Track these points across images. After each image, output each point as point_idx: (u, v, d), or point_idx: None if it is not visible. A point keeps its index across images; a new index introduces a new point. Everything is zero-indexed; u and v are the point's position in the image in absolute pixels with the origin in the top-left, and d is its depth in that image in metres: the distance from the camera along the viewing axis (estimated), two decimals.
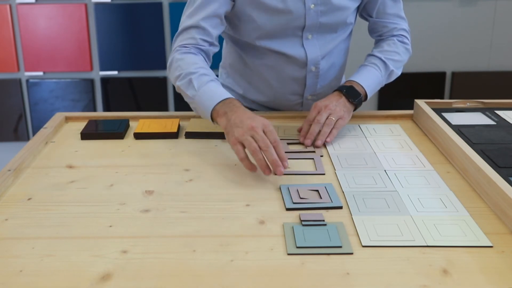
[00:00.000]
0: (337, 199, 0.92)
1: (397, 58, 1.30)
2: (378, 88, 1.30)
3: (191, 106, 1.16)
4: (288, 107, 1.39)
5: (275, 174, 0.97)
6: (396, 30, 1.33)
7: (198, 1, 1.20)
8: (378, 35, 1.36)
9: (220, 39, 1.39)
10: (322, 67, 1.31)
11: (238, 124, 1.01)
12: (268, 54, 1.29)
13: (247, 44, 1.30)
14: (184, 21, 1.23)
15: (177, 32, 1.25)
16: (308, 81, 1.32)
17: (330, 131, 1.16)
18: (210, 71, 1.16)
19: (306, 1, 1.21)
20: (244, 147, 1.00)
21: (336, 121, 1.17)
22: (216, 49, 1.25)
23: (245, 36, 1.27)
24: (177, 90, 1.19)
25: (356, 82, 1.25)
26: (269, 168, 0.98)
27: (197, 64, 1.16)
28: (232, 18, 1.27)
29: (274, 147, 0.98)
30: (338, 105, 1.19)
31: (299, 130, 1.21)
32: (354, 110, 1.24)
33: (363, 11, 1.35)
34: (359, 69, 1.30)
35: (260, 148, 0.97)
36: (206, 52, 1.23)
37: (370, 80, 1.26)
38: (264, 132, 0.99)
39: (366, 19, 1.37)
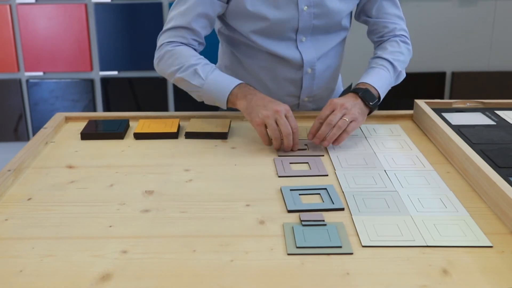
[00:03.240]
0: (338, 201, 0.91)
1: (402, 59, 1.28)
2: (387, 90, 1.25)
3: (195, 94, 1.21)
4: None
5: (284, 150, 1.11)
6: (397, 31, 1.31)
7: (191, 0, 1.20)
8: (379, 36, 1.33)
9: (216, 39, 1.39)
10: (318, 68, 1.31)
11: (262, 106, 1.10)
12: (264, 55, 1.28)
13: (242, 43, 1.29)
14: (175, 18, 1.23)
15: (165, 28, 1.24)
16: (304, 83, 1.32)
17: (340, 134, 1.10)
18: (209, 62, 1.21)
19: (299, 3, 1.20)
20: (266, 127, 1.10)
21: (349, 123, 1.10)
22: (202, 48, 1.28)
23: (240, 27, 1.25)
24: (175, 81, 1.22)
25: (369, 84, 1.19)
26: (280, 147, 1.11)
27: (196, 56, 1.21)
28: (227, 14, 1.26)
29: (293, 133, 1.09)
30: (354, 106, 1.13)
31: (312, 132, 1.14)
32: (369, 114, 1.18)
33: (361, 13, 1.34)
34: (369, 71, 1.24)
35: (281, 132, 1.08)
36: (195, 50, 1.25)
37: (381, 82, 1.22)
38: (285, 116, 1.08)
39: (366, 22, 1.35)
